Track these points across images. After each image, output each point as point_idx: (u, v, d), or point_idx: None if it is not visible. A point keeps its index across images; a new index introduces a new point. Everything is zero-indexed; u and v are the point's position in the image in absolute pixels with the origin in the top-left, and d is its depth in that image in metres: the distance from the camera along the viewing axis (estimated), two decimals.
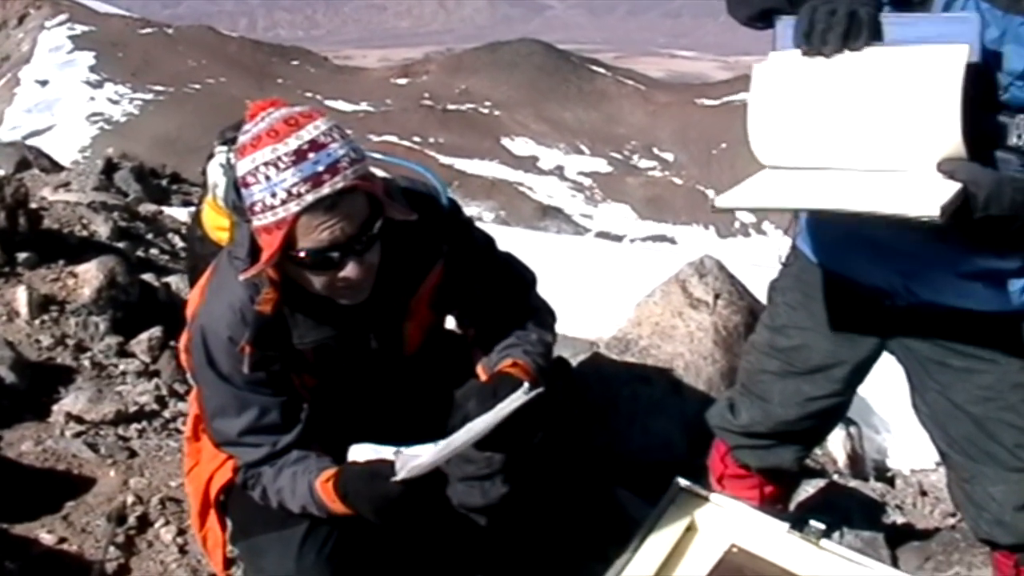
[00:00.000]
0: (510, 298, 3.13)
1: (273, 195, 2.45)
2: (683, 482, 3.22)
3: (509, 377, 2.86)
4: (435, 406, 2.96)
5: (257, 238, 2.60)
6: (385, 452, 2.71)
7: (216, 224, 3.15)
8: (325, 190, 2.45)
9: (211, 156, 3.16)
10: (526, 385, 2.74)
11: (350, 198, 2.51)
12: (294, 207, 2.45)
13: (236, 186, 2.60)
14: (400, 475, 2.63)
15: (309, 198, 2.44)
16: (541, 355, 3.04)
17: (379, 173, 2.71)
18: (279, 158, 2.45)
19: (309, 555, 2.93)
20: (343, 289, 2.64)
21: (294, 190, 2.44)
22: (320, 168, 2.45)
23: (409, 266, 2.88)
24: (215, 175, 3.11)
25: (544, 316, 3.19)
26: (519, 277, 3.21)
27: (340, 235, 2.52)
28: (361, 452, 2.77)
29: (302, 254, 2.53)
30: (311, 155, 2.45)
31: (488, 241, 3.17)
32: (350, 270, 2.57)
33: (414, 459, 2.64)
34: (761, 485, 3.58)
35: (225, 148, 3.08)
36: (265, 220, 2.50)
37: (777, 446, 3.39)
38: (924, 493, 5.64)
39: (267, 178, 2.45)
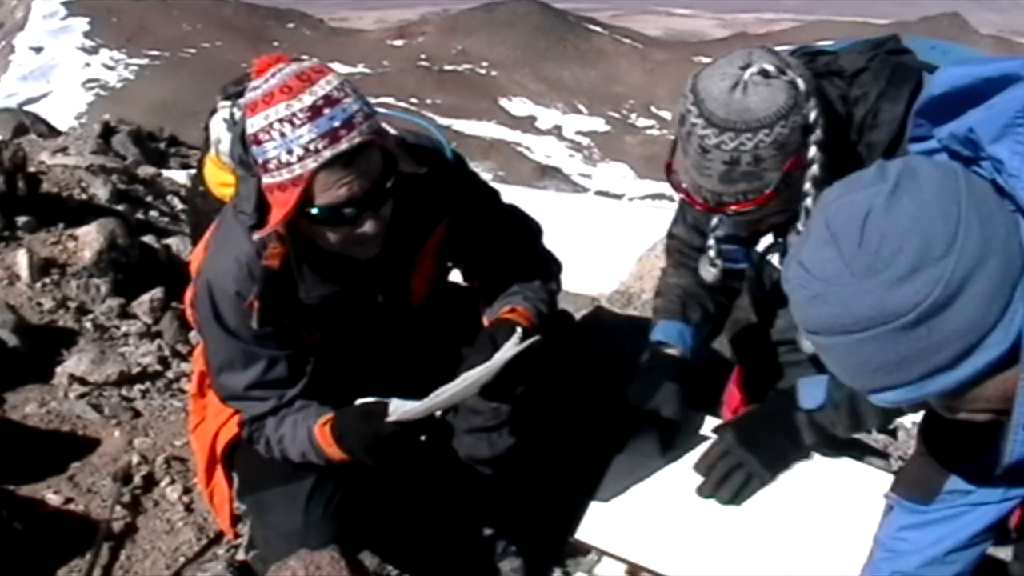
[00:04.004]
0: (516, 249, 3.13)
1: (289, 152, 2.43)
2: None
3: (506, 323, 2.86)
4: (441, 357, 2.96)
5: (268, 195, 2.57)
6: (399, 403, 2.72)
7: (219, 180, 3.13)
8: (342, 145, 2.43)
9: (213, 111, 3.14)
10: (519, 331, 2.75)
11: (366, 153, 2.50)
12: (311, 163, 2.43)
13: (243, 140, 2.57)
14: (392, 416, 2.66)
15: (327, 154, 2.42)
16: (543, 301, 3.04)
17: (385, 127, 2.70)
18: (294, 114, 2.42)
19: (316, 509, 2.95)
20: (358, 245, 2.64)
21: (311, 146, 2.41)
22: (336, 123, 2.42)
23: (416, 220, 2.88)
24: (218, 130, 3.09)
25: (549, 265, 3.19)
26: (525, 228, 3.20)
27: (357, 190, 2.50)
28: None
29: (317, 211, 2.52)
30: (326, 111, 2.42)
31: (493, 193, 3.16)
32: (368, 226, 2.57)
33: (407, 404, 2.67)
34: None
35: (228, 103, 3.06)
36: (280, 177, 2.47)
37: (800, 365, 3.44)
38: None
39: (282, 135, 2.42)
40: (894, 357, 1.60)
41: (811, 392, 2.89)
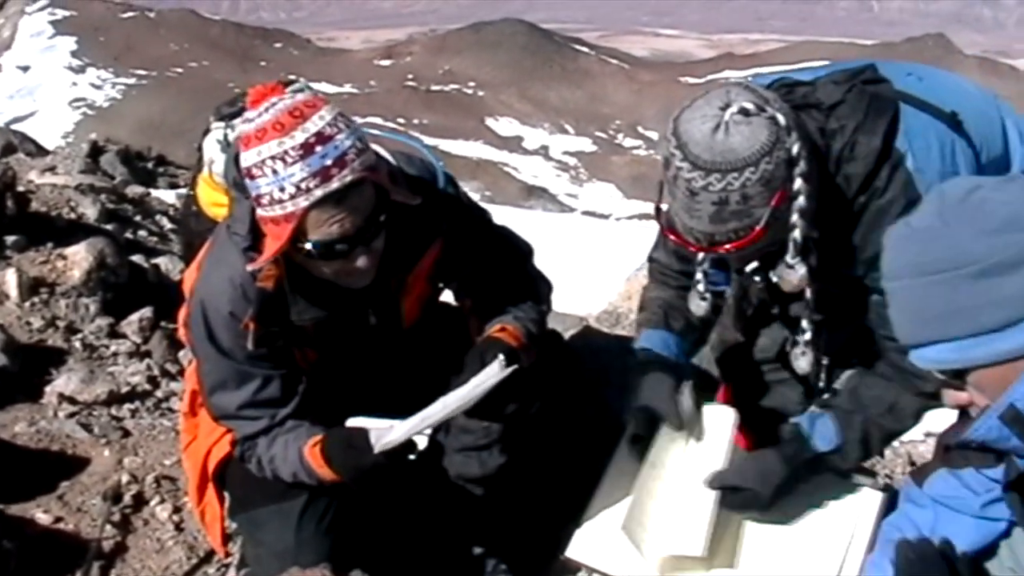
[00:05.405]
0: (507, 269, 3.15)
1: (281, 189, 2.44)
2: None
3: (495, 342, 2.89)
4: (433, 377, 2.97)
5: (262, 226, 2.60)
6: (381, 426, 2.74)
7: (212, 200, 3.14)
8: (334, 184, 2.45)
9: (206, 132, 3.16)
10: (501, 358, 2.76)
11: (358, 190, 2.51)
12: (303, 202, 2.44)
13: (237, 163, 2.59)
14: (376, 448, 2.69)
15: (318, 192, 2.44)
16: (533, 321, 3.06)
17: (380, 151, 2.71)
18: (286, 152, 2.43)
19: (308, 527, 2.96)
20: (351, 276, 2.66)
21: (303, 184, 2.43)
22: (328, 162, 2.44)
23: (408, 244, 2.89)
24: (211, 151, 3.11)
25: (539, 285, 3.22)
26: (515, 249, 3.23)
27: (349, 227, 2.52)
28: (359, 425, 2.79)
29: (310, 247, 2.54)
30: (318, 148, 2.43)
31: (484, 214, 3.19)
32: (360, 260, 2.59)
33: (389, 431, 2.69)
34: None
35: (222, 124, 3.07)
36: (272, 212, 2.49)
37: (784, 383, 3.46)
38: (913, 463, 5.68)
39: (274, 172, 2.44)
40: (952, 306, 1.75)
41: (824, 434, 2.89)
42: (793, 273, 2.63)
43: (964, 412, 2.18)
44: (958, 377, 1.88)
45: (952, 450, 2.50)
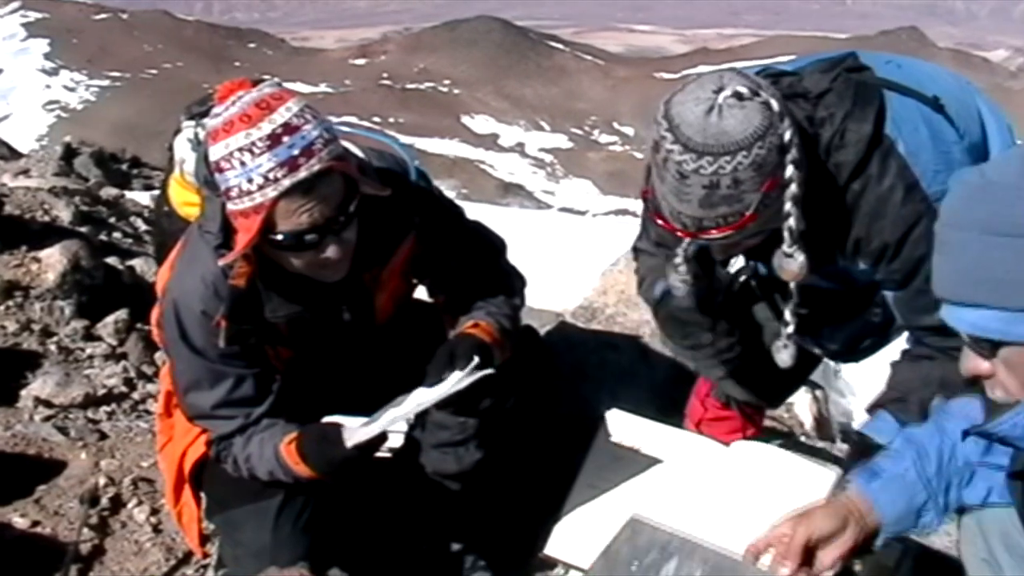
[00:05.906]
0: (480, 265, 3.16)
1: (249, 180, 2.45)
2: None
3: (468, 337, 2.91)
4: (407, 373, 2.98)
5: (232, 221, 2.60)
6: (355, 423, 2.76)
7: (184, 200, 3.14)
8: (302, 173, 2.45)
9: (177, 131, 3.15)
10: (476, 360, 2.78)
11: (326, 180, 2.51)
12: (271, 192, 2.45)
13: (207, 161, 2.59)
14: (350, 443, 2.72)
15: (286, 183, 2.44)
16: (506, 316, 3.07)
17: (349, 147, 2.72)
18: (253, 143, 2.44)
19: (285, 526, 2.96)
20: (322, 268, 2.66)
21: (270, 175, 2.43)
22: (295, 152, 2.44)
23: (380, 240, 2.90)
24: (183, 150, 3.10)
25: (513, 280, 3.23)
26: (488, 244, 3.23)
27: (319, 217, 2.52)
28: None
29: (281, 237, 2.54)
30: (285, 139, 2.44)
31: (457, 210, 3.19)
32: (331, 251, 2.59)
33: (362, 427, 2.73)
34: (743, 428, 3.65)
35: (192, 123, 3.07)
36: (242, 205, 2.50)
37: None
38: None
39: (242, 163, 2.44)
40: (1013, 275, 1.66)
41: (883, 429, 2.89)
42: (792, 262, 2.63)
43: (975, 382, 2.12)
44: (990, 348, 1.81)
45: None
